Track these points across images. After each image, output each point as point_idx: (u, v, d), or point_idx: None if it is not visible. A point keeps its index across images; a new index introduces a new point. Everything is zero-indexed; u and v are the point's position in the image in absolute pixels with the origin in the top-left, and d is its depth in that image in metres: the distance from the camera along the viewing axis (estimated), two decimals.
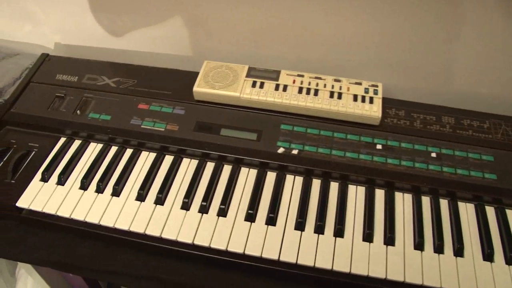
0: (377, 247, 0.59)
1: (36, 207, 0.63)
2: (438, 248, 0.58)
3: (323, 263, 0.57)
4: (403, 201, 0.64)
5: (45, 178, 0.67)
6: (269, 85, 0.73)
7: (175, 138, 0.70)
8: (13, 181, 0.67)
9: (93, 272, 0.62)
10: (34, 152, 0.70)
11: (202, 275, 0.60)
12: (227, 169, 0.68)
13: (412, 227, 0.61)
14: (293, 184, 0.66)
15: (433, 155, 0.67)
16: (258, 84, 0.73)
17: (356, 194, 0.65)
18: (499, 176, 0.65)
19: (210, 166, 0.68)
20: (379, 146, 0.68)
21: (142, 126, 0.71)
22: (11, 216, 0.65)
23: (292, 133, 0.70)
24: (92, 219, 0.62)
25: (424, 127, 0.70)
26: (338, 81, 0.73)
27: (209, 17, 0.80)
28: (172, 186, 0.66)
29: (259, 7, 0.76)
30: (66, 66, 0.81)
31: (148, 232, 0.60)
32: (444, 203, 0.64)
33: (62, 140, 0.72)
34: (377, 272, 0.56)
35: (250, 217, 0.61)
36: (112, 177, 0.67)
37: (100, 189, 0.65)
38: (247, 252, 0.58)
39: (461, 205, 0.63)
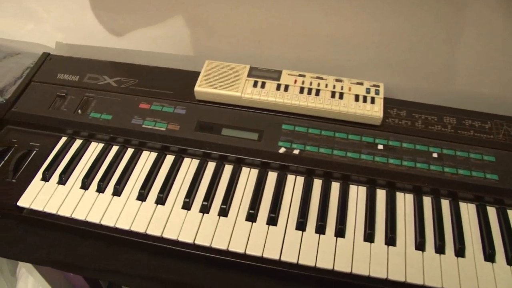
0: (378, 247, 0.59)
1: (37, 206, 0.63)
2: (439, 248, 0.58)
3: (324, 263, 0.57)
4: (405, 201, 0.64)
5: (46, 178, 0.67)
6: (271, 85, 0.72)
7: (176, 137, 0.70)
8: (14, 181, 0.67)
9: (94, 272, 0.62)
10: (35, 151, 0.70)
11: (203, 275, 0.60)
12: (228, 169, 0.67)
13: (413, 227, 0.61)
14: (294, 184, 0.66)
15: (435, 155, 0.67)
16: (259, 84, 0.73)
17: (357, 194, 0.65)
18: (500, 176, 0.64)
19: (211, 166, 0.68)
20: (380, 146, 0.68)
21: (143, 126, 0.71)
22: (12, 216, 0.65)
23: (294, 133, 0.70)
24: (93, 218, 0.62)
25: (425, 127, 0.70)
26: (340, 81, 0.73)
27: (210, 16, 0.80)
28: (173, 185, 0.66)
29: (259, 7, 0.76)
30: (67, 66, 0.81)
31: (149, 232, 0.60)
32: (445, 204, 0.64)
33: (63, 139, 0.72)
34: (378, 272, 0.56)
35: (251, 217, 0.61)
36: (113, 176, 0.67)
37: (101, 189, 0.65)
38: (248, 252, 0.58)
39: (463, 206, 0.63)
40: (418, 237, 0.59)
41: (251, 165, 0.68)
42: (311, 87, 0.72)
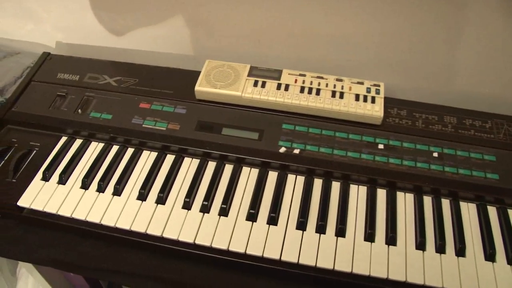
0: (379, 247, 0.58)
1: (37, 206, 0.63)
2: (440, 248, 0.58)
3: (325, 263, 0.57)
4: (405, 201, 0.64)
5: (46, 177, 0.66)
6: (271, 84, 0.72)
7: (177, 137, 0.70)
8: (14, 180, 0.67)
9: (94, 272, 0.62)
10: (35, 151, 0.70)
11: (203, 274, 0.60)
12: (228, 169, 0.67)
13: (414, 227, 0.61)
14: (294, 183, 0.66)
15: (435, 155, 0.67)
16: (260, 83, 0.73)
17: (357, 193, 0.65)
18: (501, 176, 0.64)
19: (211, 166, 0.68)
20: (381, 146, 0.68)
21: (143, 125, 0.71)
22: (12, 215, 0.65)
23: (294, 132, 0.70)
24: (93, 218, 0.62)
25: (426, 126, 0.70)
26: (340, 80, 0.73)
27: (211, 16, 0.80)
28: (174, 185, 0.66)
29: (259, 6, 0.76)
30: (67, 65, 0.81)
31: (149, 232, 0.60)
32: (446, 203, 0.64)
33: (63, 139, 0.72)
34: (378, 272, 0.56)
35: (252, 217, 0.61)
36: (113, 176, 0.67)
37: (101, 189, 0.65)
38: (248, 252, 0.58)
39: (463, 205, 0.63)
40: (418, 237, 0.59)
41: (252, 164, 0.68)
42: (311, 86, 0.72)
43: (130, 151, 0.70)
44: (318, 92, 0.71)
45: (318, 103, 0.70)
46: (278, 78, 0.73)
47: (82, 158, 0.70)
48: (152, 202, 0.64)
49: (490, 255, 0.58)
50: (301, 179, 0.66)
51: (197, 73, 0.75)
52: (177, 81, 0.77)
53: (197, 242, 0.59)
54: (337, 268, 0.56)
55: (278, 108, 0.72)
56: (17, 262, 0.96)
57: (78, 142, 0.72)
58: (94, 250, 0.62)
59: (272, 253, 0.58)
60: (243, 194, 0.64)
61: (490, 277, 0.56)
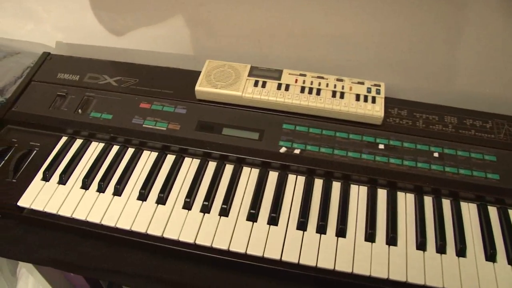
0: (379, 247, 0.58)
1: (37, 206, 0.63)
2: (440, 248, 0.58)
3: (325, 263, 0.57)
4: (406, 201, 0.64)
5: (46, 177, 0.66)
6: (271, 84, 0.72)
7: (177, 137, 0.70)
8: (14, 180, 0.66)
9: (94, 272, 0.62)
10: (35, 151, 0.70)
11: (203, 275, 0.60)
12: (229, 169, 0.67)
13: (414, 227, 0.61)
14: (295, 183, 0.66)
15: (436, 155, 0.67)
16: (260, 83, 0.72)
17: (358, 194, 0.65)
18: (501, 176, 0.64)
19: (212, 166, 0.68)
20: (381, 146, 0.68)
21: (143, 125, 0.71)
22: (12, 215, 0.65)
23: (294, 132, 0.70)
24: (94, 218, 0.62)
25: (426, 127, 0.70)
26: (341, 80, 0.73)
27: (211, 16, 0.80)
28: (174, 185, 0.65)
29: (260, 6, 0.76)
30: (67, 65, 0.81)
31: (149, 232, 0.60)
32: (446, 203, 0.64)
33: (64, 139, 0.72)
34: (379, 272, 0.56)
35: (252, 217, 0.61)
36: (114, 176, 0.67)
37: (101, 189, 0.65)
38: (249, 252, 0.58)
39: (464, 205, 0.63)
40: (419, 237, 0.59)
41: (252, 164, 0.68)
42: (312, 86, 0.72)
43: (130, 151, 0.70)
44: (318, 92, 0.71)
45: (318, 103, 0.70)
46: (279, 78, 0.73)
47: (83, 158, 0.70)
48: (152, 202, 0.64)
49: (490, 255, 0.58)
50: (301, 179, 0.66)
51: (198, 73, 0.75)
52: (177, 81, 0.77)
53: (197, 242, 0.59)
54: (337, 268, 0.56)
55: (278, 108, 0.72)
56: (17, 262, 0.96)
57: (78, 142, 0.72)
58: (94, 250, 0.62)
59: (272, 253, 0.58)
60: (244, 194, 0.64)
61: (490, 277, 0.56)
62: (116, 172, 0.67)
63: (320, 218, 0.61)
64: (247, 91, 0.72)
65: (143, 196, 0.64)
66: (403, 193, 0.65)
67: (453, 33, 0.72)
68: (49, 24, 0.90)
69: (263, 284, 0.59)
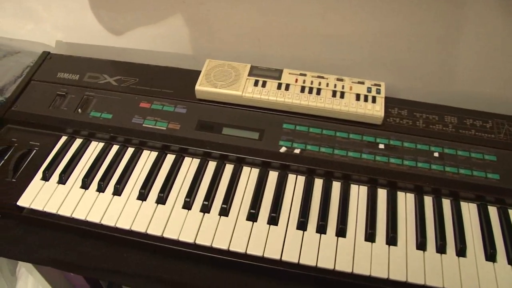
0: (379, 247, 0.58)
1: (37, 206, 0.63)
2: (441, 248, 0.58)
3: (325, 263, 0.57)
4: (406, 201, 0.64)
5: (46, 177, 0.66)
6: (271, 84, 0.72)
7: (177, 137, 0.69)
8: (14, 180, 0.66)
9: (94, 271, 0.62)
10: (35, 150, 0.70)
11: (203, 275, 0.60)
12: (229, 168, 0.67)
13: (415, 227, 0.61)
14: (295, 183, 0.66)
15: (436, 154, 0.67)
16: (260, 83, 0.72)
17: (358, 193, 0.64)
18: (501, 176, 0.64)
19: (212, 165, 0.68)
20: (381, 146, 0.68)
21: (143, 125, 0.71)
22: (12, 215, 0.65)
23: (294, 132, 0.69)
24: (93, 218, 0.62)
25: (426, 126, 0.70)
26: (341, 80, 0.72)
27: (211, 15, 0.80)
28: (174, 185, 0.65)
29: (259, 5, 0.76)
30: (67, 64, 0.81)
31: (149, 232, 0.60)
32: (446, 203, 0.64)
33: (63, 138, 0.72)
34: (379, 272, 0.56)
35: (252, 217, 0.61)
36: (114, 176, 0.67)
37: (101, 188, 0.65)
38: (249, 252, 0.58)
39: (464, 205, 0.63)
40: (419, 237, 0.59)
41: (252, 164, 0.68)
42: (312, 86, 0.72)
43: (130, 150, 0.70)
44: (318, 91, 0.71)
45: (318, 102, 0.70)
46: (279, 78, 0.73)
47: (82, 158, 0.69)
48: (152, 202, 0.64)
49: (490, 255, 0.58)
50: (301, 179, 0.66)
51: (198, 73, 0.74)
52: (177, 81, 0.77)
53: (197, 242, 0.59)
54: (337, 268, 0.56)
55: (278, 108, 0.72)
56: (16, 262, 0.96)
57: (78, 142, 0.71)
58: (94, 250, 0.62)
59: (272, 253, 0.58)
60: (244, 194, 0.64)
61: (490, 277, 0.56)
62: (116, 171, 0.67)
63: (320, 218, 0.61)
64: (247, 91, 0.72)
65: (143, 195, 0.64)
66: (403, 193, 0.65)
67: (452, 32, 0.72)
68: (49, 24, 0.90)
69: (263, 284, 0.59)
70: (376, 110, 0.69)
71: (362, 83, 0.72)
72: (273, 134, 0.69)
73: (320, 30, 0.77)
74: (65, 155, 0.70)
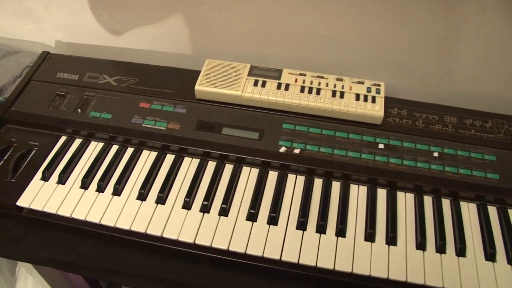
0: (379, 247, 0.58)
1: (37, 206, 0.63)
2: (440, 248, 0.58)
3: (325, 263, 0.57)
4: (405, 201, 0.64)
5: (45, 177, 0.66)
6: (271, 84, 0.72)
7: (177, 137, 0.69)
8: (13, 180, 0.66)
9: (93, 272, 0.62)
10: (34, 151, 0.70)
11: (203, 275, 0.60)
12: (228, 168, 0.67)
13: (414, 226, 0.61)
14: (295, 183, 0.66)
15: (435, 154, 0.67)
16: (260, 83, 0.72)
17: (358, 193, 0.64)
18: (501, 176, 0.64)
19: (211, 165, 0.68)
20: (381, 146, 0.68)
21: (143, 125, 0.71)
22: (11, 215, 0.65)
23: (294, 132, 0.69)
24: (93, 218, 0.62)
25: (426, 126, 0.70)
26: (340, 80, 0.72)
27: (210, 15, 0.80)
28: (174, 185, 0.65)
29: (259, 6, 0.76)
30: (66, 64, 0.81)
31: (149, 232, 0.60)
32: (446, 203, 0.64)
33: (63, 138, 0.72)
34: (379, 271, 0.56)
35: (252, 217, 0.61)
36: (113, 176, 0.67)
37: (101, 188, 0.65)
38: (248, 252, 0.58)
39: (463, 205, 0.63)
40: (419, 237, 0.59)
41: (252, 164, 0.68)
42: (311, 86, 0.72)
43: (129, 150, 0.70)
44: (318, 91, 0.71)
45: (318, 102, 0.70)
46: (278, 78, 0.73)
47: (82, 158, 0.69)
48: (152, 202, 0.64)
49: (490, 255, 0.58)
50: (301, 179, 0.66)
51: (197, 73, 0.74)
52: (177, 81, 0.77)
53: (197, 242, 0.59)
54: (337, 268, 0.56)
55: (278, 108, 0.72)
56: (16, 262, 0.96)
57: (77, 142, 0.71)
58: (94, 250, 0.62)
59: (272, 253, 0.58)
60: (243, 194, 0.64)
61: (490, 277, 0.56)
62: (115, 171, 0.67)
63: (320, 218, 0.61)
64: (246, 91, 0.72)
65: (142, 195, 0.64)
66: (403, 193, 0.65)
67: (452, 32, 0.72)
68: (49, 24, 0.90)
69: (263, 284, 0.59)
70: (375, 110, 0.69)
71: (362, 83, 0.72)
72: (273, 134, 0.69)
73: (320, 30, 0.77)
74: (64, 155, 0.70)
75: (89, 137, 0.72)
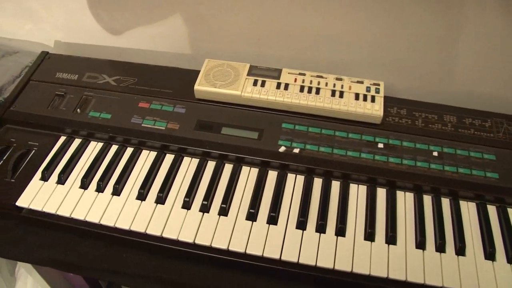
0: (379, 246, 0.58)
1: (36, 206, 0.63)
2: (440, 247, 0.58)
3: (325, 262, 0.57)
4: (405, 200, 0.64)
5: (45, 177, 0.66)
6: (271, 83, 0.72)
7: (176, 136, 0.69)
8: (12, 180, 0.66)
9: (93, 272, 0.61)
10: (34, 151, 0.70)
11: (203, 274, 0.60)
12: (228, 168, 0.67)
13: (414, 226, 0.61)
14: (294, 183, 0.66)
15: (435, 154, 0.67)
16: (259, 82, 0.72)
17: (357, 193, 0.65)
18: (501, 175, 0.64)
19: (211, 165, 0.68)
20: (380, 145, 0.68)
21: (142, 125, 0.71)
22: (11, 216, 0.65)
23: (294, 132, 0.69)
24: (93, 218, 0.62)
25: (425, 126, 0.70)
26: (340, 79, 0.73)
27: (210, 15, 0.80)
28: (173, 185, 0.65)
29: (259, 5, 0.76)
30: (66, 64, 0.81)
31: (149, 232, 0.60)
32: (445, 202, 0.64)
33: (62, 138, 0.72)
34: (378, 271, 0.56)
35: (252, 216, 0.61)
36: (113, 176, 0.67)
37: (100, 188, 0.65)
38: (248, 252, 0.58)
39: (463, 204, 0.63)
40: (418, 236, 0.59)
41: (251, 164, 0.68)
42: (311, 85, 0.72)
43: (129, 150, 0.70)
44: (317, 91, 0.71)
45: (317, 102, 0.70)
46: (278, 77, 0.73)
47: (81, 158, 0.69)
48: (151, 201, 0.63)
49: (490, 254, 0.58)
50: (301, 179, 0.66)
51: (197, 72, 0.74)
52: (176, 80, 0.77)
53: (197, 242, 0.59)
54: (337, 267, 0.56)
55: (277, 108, 0.72)
56: (16, 262, 0.96)
57: (77, 142, 0.71)
58: (93, 250, 0.62)
59: (272, 253, 0.58)
60: (243, 194, 0.64)
61: (490, 276, 0.56)
62: (115, 171, 0.67)
63: (319, 217, 0.61)
64: (246, 90, 0.72)
65: (142, 195, 0.64)
66: (403, 192, 0.65)
67: (452, 32, 0.72)
68: (48, 23, 0.90)
69: (263, 283, 0.59)
70: (375, 110, 0.69)
71: (361, 82, 0.72)
72: (272, 133, 0.69)
73: (320, 30, 0.77)
74: (64, 155, 0.70)
75: (89, 137, 0.72)
